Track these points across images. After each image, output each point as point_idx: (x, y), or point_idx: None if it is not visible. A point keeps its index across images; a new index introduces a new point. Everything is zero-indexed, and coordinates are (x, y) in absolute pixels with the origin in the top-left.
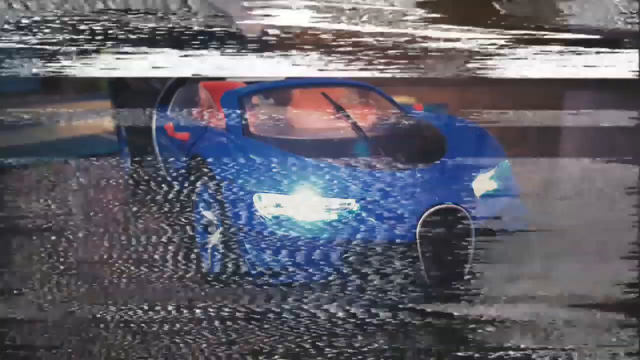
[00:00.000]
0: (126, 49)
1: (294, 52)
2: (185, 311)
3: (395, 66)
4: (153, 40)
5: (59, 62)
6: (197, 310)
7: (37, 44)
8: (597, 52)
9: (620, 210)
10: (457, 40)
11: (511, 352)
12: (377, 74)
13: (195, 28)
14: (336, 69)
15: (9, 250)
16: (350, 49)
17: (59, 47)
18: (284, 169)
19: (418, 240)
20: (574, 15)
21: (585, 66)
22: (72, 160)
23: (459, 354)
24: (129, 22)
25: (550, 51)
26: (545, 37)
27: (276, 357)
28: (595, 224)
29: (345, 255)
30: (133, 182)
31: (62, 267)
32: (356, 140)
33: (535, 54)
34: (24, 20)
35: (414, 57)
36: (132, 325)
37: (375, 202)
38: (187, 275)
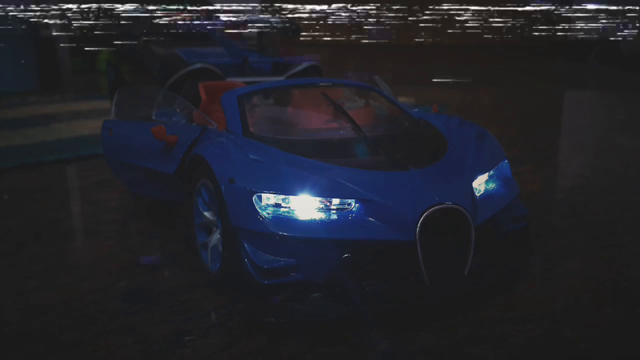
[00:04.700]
0: None
1: None
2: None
3: None
4: None
5: None
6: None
7: None
8: None
9: None
10: None
11: None
12: None
13: None
14: None
15: None
16: None
17: None
18: (283, 168)
19: (418, 240)
20: None
21: None
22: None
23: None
24: None
25: None
26: None
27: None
28: None
29: (345, 255)
30: None
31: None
32: (356, 140)
33: None
34: None
35: None
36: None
37: (374, 202)
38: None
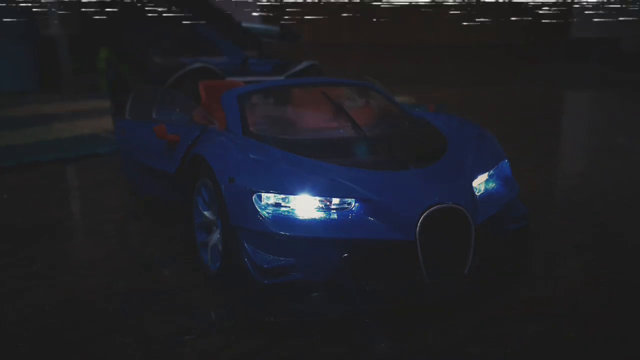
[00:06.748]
0: None
1: None
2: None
3: None
4: None
5: None
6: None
7: None
8: None
9: None
10: None
11: None
12: None
13: None
14: None
15: None
16: None
17: None
18: (283, 168)
19: (418, 240)
20: None
21: None
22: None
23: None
24: None
25: None
26: None
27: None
28: None
29: (345, 254)
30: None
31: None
32: (356, 140)
33: None
34: None
35: None
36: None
37: (374, 202)
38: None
